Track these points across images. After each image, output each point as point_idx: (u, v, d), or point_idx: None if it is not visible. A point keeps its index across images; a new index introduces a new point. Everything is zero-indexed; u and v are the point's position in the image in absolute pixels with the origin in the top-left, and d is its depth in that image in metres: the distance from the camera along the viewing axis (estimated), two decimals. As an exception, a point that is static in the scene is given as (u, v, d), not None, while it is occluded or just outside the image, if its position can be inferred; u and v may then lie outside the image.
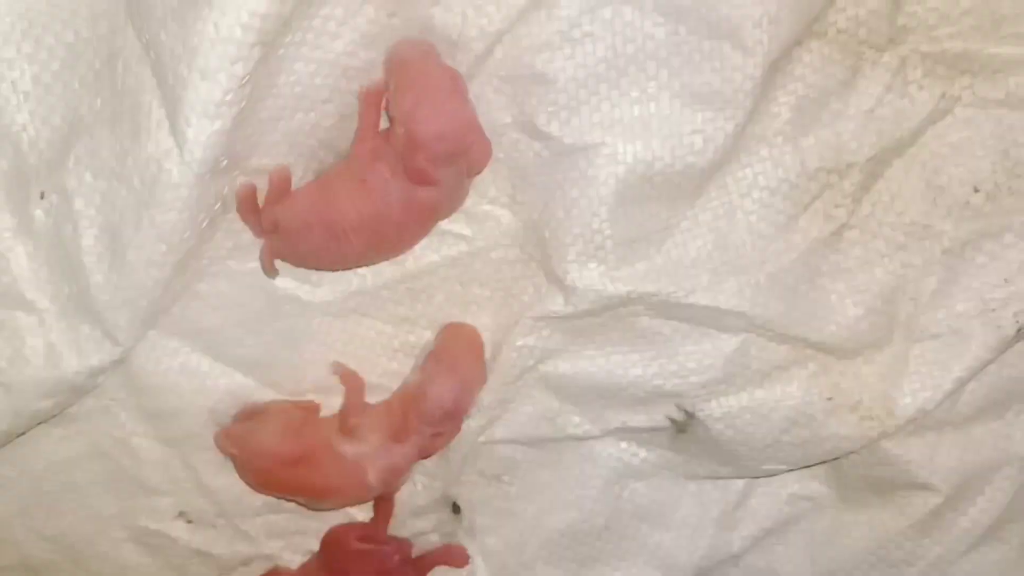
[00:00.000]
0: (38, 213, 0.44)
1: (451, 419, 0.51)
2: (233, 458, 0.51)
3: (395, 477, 0.51)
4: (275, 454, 0.49)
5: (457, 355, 0.50)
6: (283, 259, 0.48)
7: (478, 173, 0.46)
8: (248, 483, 0.52)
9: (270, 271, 0.48)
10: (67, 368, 0.45)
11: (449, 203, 0.47)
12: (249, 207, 0.45)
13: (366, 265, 0.49)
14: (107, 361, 0.46)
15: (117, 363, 0.46)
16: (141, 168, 0.41)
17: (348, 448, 0.50)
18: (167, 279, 0.44)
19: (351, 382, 0.51)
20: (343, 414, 0.50)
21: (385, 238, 0.46)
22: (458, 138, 0.43)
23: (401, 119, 0.43)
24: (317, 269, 0.49)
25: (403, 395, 0.51)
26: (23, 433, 0.49)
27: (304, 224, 0.45)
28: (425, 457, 0.51)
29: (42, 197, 0.44)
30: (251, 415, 0.51)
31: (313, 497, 0.51)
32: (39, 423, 0.48)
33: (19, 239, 0.45)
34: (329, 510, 0.53)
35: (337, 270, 0.49)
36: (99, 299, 0.44)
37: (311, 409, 0.51)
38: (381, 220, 0.45)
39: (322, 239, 0.45)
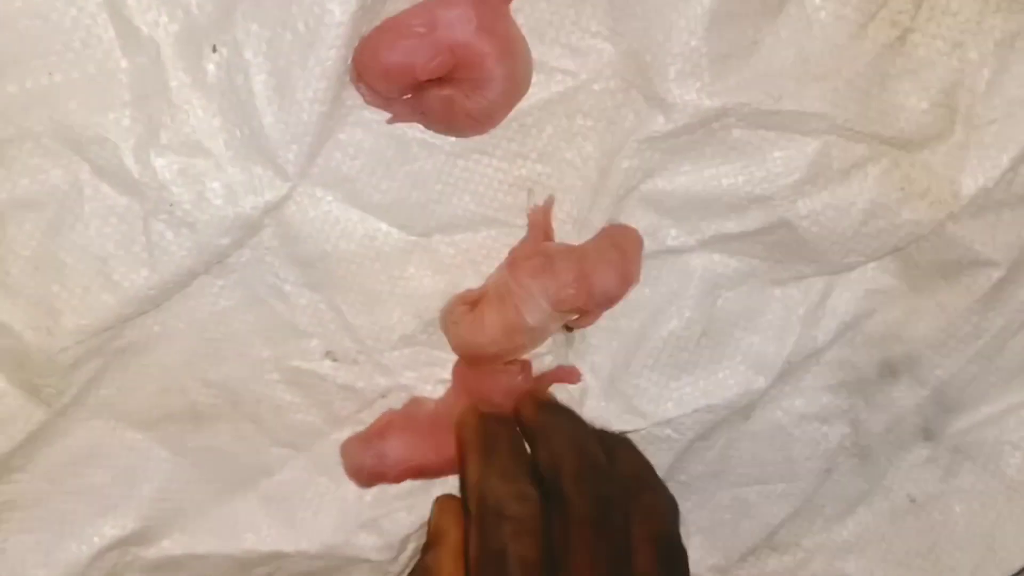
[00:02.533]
0: (210, 67, 0.50)
1: (605, 305, 0.57)
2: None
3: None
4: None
5: (624, 250, 0.57)
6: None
7: None
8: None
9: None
10: (244, 205, 0.51)
11: None
12: None
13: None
14: (278, 196, 0.51)
15: (286, 198, 0.52)
16: (305, 12, 0.47)
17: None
18: (327, 114, 0.50)
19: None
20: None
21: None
22: None
23: None
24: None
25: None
26: (201, 273, 0.54)
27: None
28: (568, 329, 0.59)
29: (214, 51, 0.49)
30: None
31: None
32: (216, 262, 0.54)
33: (195, 93, 0.50)
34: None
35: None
36: (271, 138, 0.50)
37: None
38: None
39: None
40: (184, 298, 0.57)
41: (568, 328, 0.63)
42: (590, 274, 0.55)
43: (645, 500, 0.55)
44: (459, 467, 0.58)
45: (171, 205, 0.51)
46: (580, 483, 0.53)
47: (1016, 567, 0.67)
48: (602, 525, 0.51)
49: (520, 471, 0.54)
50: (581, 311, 0.58)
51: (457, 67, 0.51)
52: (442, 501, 0.61)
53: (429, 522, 0.60)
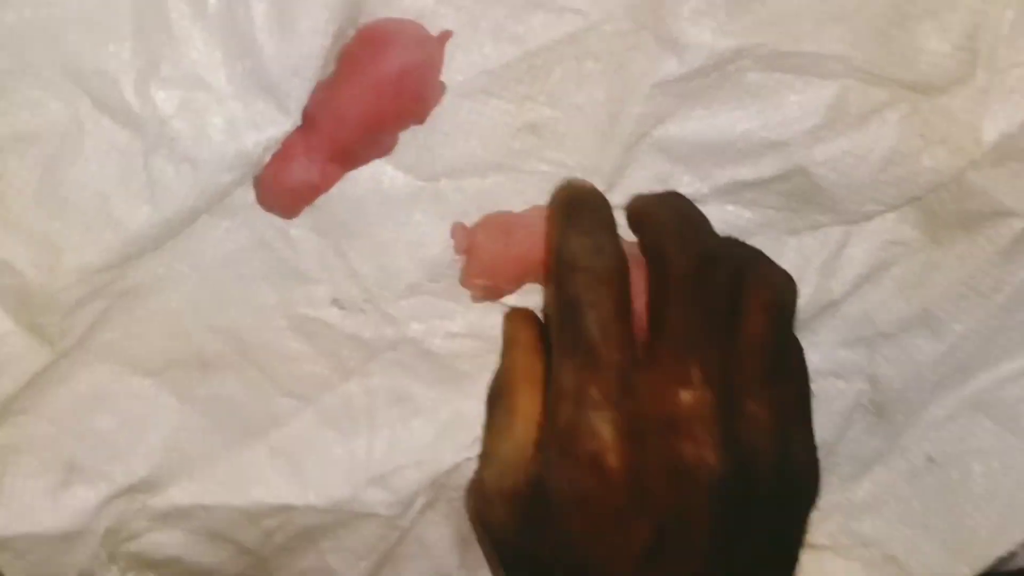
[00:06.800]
0: (211, -1, 0.49)
1: None
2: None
3: None
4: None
5: None
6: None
7: None
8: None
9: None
10: (246, 141, 0.50)
11: None
12: None
13: None
14: (281, 131, 0.50)
15: (288, 134, 0.51)
16: (307, -60, 0.46)
17: None
18: (328, 48, 0.49)
19: None
20: None
21: None
22: None
23: None
24: None
25: None
26: (204, 211, 0.53)
27: None
28: None
29: (216, -20, 0.48)
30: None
31: None
32: (219, 200, 0.53)
33: (195, 25, 0.49)
34: None
35: None
36: (272, 71, 0.49)
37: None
38: None
39: None
40: (188, 239, 0.56)
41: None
42: None
43: (761, 269, 0.50)
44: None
45: (172, 140, 0.50)
46: (682, 239, 0.50)
47: (1036, 528, 0.65)
48: (704, 282, 0.47)
49: (599, 227, 0.51)
50: None
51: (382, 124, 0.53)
52: (511, 311, 0.59)
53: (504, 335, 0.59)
